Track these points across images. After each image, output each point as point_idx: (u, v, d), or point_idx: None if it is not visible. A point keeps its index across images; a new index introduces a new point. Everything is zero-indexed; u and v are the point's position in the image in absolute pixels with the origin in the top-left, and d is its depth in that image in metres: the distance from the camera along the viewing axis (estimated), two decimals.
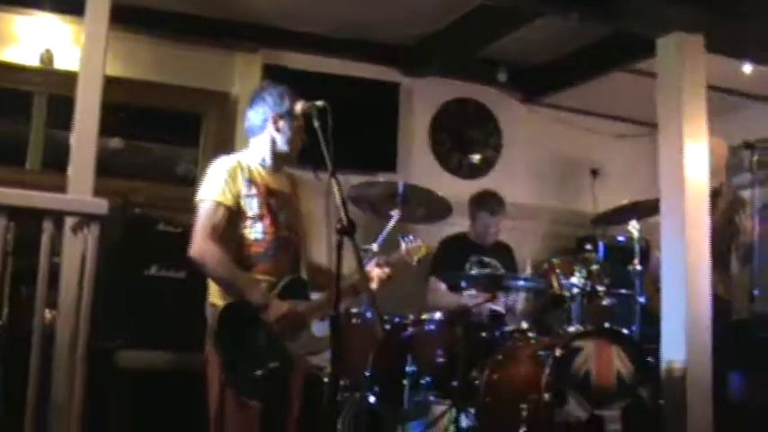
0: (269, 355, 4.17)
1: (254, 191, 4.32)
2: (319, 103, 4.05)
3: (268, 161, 4.52)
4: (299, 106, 4.42)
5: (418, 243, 5.17)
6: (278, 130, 4.50)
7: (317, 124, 3.99)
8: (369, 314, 6.33)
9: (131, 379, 5.86)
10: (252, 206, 4.32)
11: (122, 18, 5.45)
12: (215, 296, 4.31)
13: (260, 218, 4.33)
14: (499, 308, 7.12)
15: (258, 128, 4.58)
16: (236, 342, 4.15)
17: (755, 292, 6.82)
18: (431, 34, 8.10)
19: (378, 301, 4.35)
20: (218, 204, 4.24)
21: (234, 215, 4.28)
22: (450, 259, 7.36)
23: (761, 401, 6.87)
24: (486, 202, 7.74)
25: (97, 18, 5.24)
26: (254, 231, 4.32)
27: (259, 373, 4.13)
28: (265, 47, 7.71)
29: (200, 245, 4.23)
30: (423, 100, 8.86)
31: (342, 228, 3.63)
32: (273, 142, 4.52)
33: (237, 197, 4.29)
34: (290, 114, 4.48)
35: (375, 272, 4.45)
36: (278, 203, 4.42)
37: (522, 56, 8.62)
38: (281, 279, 4.38)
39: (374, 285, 4.45)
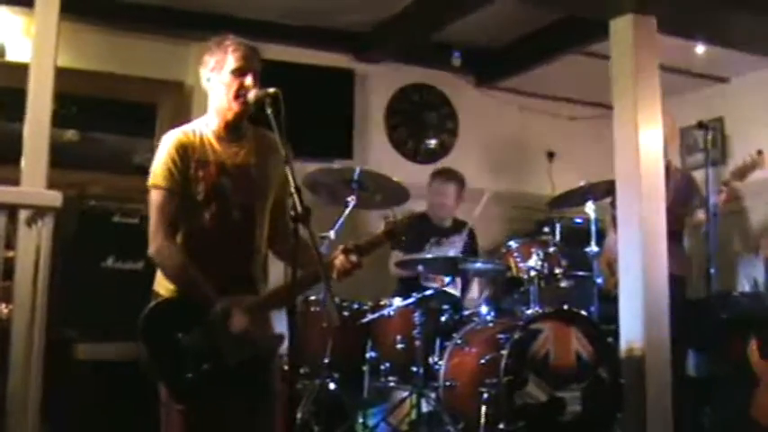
0: (203, 357, 3.99)
1: (200, 173, 4.14)
2: (271, 90, 3.95)
3: (218, 128, 4.21)
4: (234, 61, 4.14)
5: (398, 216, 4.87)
6: (213, 88, 4.22)
7: (269, 111, 3.91)
8: (326, 301, 6.32)
9: (89, 370, 5.83)
10: (198, 191, 4.16)
11: (74, 8, 5.40)
12: (159, 285, 4.18)
13: (206, 204, 4.16)
14: (456, 291, 7.12)
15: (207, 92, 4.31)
16: (165, 342, 4.01)
17: (711, 271, 6.89)
18: (384, 20, 8.08)
19: (335, 288, 4.26)
20: (168, 192, 4.08)
21: (182, 199, 4.12)
22: (410, 239, 7.34)
23: (715, 374, 6.95)
24: (440, 172, 7.85)
25: (47, 9, 5.20)
26: (201, 219, 4.16)
27: (189, 375, 3.99)
28: (217, 35, 7.65)
29: (159, 245, 4.04)
30: (377, 86, 8.85)
31: (296, 215, 3.59)
32: (215, 104, 4.22)
33: (185, 179, 4.11)
34: (222, 68, 4.17)
35: (339, 261, 4.25)
36: (232, 182, 4.15)
37: (477, 40, 8.63)
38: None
39: (336, 276, 4.27)
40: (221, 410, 4.04)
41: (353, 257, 4.12)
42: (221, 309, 3.94)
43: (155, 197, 4.06)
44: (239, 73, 4.11)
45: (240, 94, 4.09)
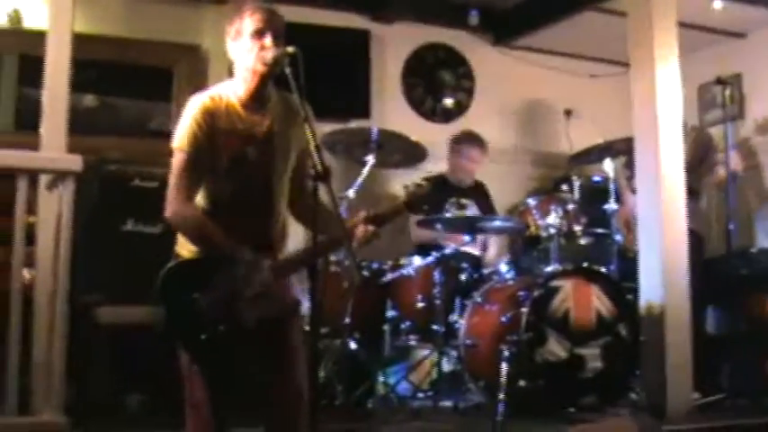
0: (219, 317, 3.91)
1: (224, 140, 4.11)
2: (290, 48, 3.93)
3: (244, 95, 4.16)
4: (252, 23, 4.07)
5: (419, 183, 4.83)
6: (238, 56, 4.15)
7: (288, 71, 3.90)
8: (347, 261, 6.34)
9: (111, 334, 5.88)
10: (222, 158, 4.14)
11: None
12: (181, 246, 4.18)
13: (229, 173, 4.15)
14: (475, 250, 7.13)
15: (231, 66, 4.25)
16: (182, 303, 4.01)
17: (731, 227, 6.87)
18: None
19: (355, 248, 4.26)
20: (191, 155, 4.07)
21: (205, 165, 4.12)
22: (429, 200, 7.33)
23: (734, 331, 6.95)
24: (465, 135, 7.78)
25: None
26: (223, 186, 4.15)
27: (203, 336, 3.99)
28: None
29: (176, 208, 4.03)
30: (394, 46, 8.82)
31: (316, 174, 3.58)
32: (240, 71, 4.17)
33: (208, 145, 4.11)
34: (241, 34, 4.12)
35: (359, 230, 4.24)
36: (256, 151, 4.12)
37: None
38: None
39: (356, 244, 4.25)
40: (240, 370, 4.05)
41: (373, 227, 4.13)
42: (251, 259, 3.96)
43: (177, 159, 4.04)
44: (258, 34, 4.07)
45: (261, 54, 4.07)
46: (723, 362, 6.85)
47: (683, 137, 6.32)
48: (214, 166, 4.06)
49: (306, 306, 4.03)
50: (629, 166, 6.96)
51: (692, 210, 6.34)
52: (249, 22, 4.12)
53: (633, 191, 6.81)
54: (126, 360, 5.88)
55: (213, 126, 4.06)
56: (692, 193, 6.65)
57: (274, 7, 4.22)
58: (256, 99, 4.18)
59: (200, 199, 4.10)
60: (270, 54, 4.02)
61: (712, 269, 6.97)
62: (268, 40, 4.07)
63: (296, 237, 4.38)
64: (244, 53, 4.12)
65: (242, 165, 4.10)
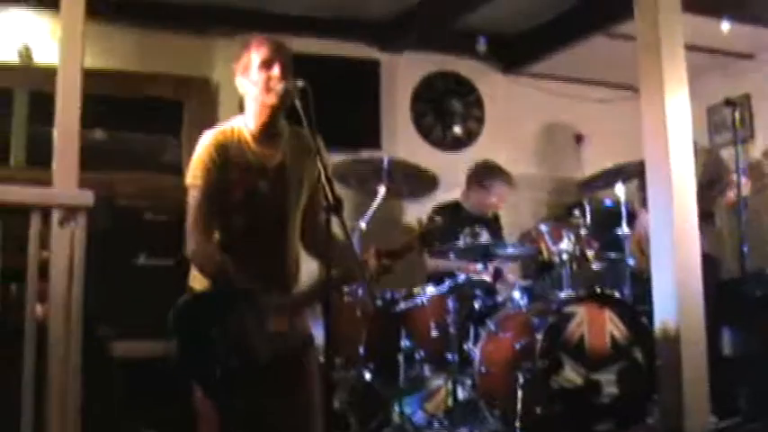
0: (233, 352, 3.91)
1: (237, 174, 4.13)
2: (299, 82, 3.95)
3: (255, 129, 4.19)
4: (259, 56, 4.12)
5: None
6: (248, 90, 4.19)
7: (298, 104, 3.91)
8: (360, 291, 6.34)
9: (126, 368, 5.87)
10: (235, 192, 4.14)
11: (98, 9, 5.42)
12: (194, 280, 4.18)
13: (242, 206, 4.16)
14: (488, 278, 7.12)
15: (242, 100, 4.28)
16: (195, 337, 4.00)
17: (744, 249, 6.85)
18: (407, 9, 8.09)
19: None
20: (205, 191, 4.08)
21: (219, 199, 4.12)
22: (442, 233, 7.33)
23: (750, 352, 6.92)
24: (499, 172, 7.73)
25: (73, 11, 5.22)
26: (236, 220, 4.15)
27: (217, 371, 3.97)
28: (243, 30, 7.61)
29: (196, 245, 4.04)
30: (403, 75, 8.85)
31: (329, 206, 3.59)
32: (251, 105, 4.21)
33: (222, 179, 4.12)
34: (249, 67, 4.16)
35: (371, 263, 4.23)
36: (268, 184, 4.14)
37: (501, 25, 8.61)
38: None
39: (367, 278, 4.25)
40: (254, 405, 4.04)
41: (386, 262, 4.13)
42: (266, 304, 3.96)
43: (193, 196, 4.06)
44: (266, 65, 4.09)
45: (270, 86, 4.08)
46: (740, 384, 6.82)
47: (693, 157, 6.32)
48: (227, 199, 4.08)
49: (320, 337, 4.02)
50: (643, 188, 6.95)
51: (707, 233, 6.33)
52: (256, 54, 4.13)
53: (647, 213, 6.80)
54: (140, 394, 5.87)
55: (226, 160, 4.08)
56: (707, 215, 6.64)
57: (281, 40, 4.24)
58: (268, 132, 4.19)
59: (214, 231, 4.12)
60: (280, 86, 4.04)
61: (727, 291, 6.95)
62: (276, 71, 4.09)
63: (308, 269, 4.38)
64: (253, 86, 4.13)
65: (254, 198, 4.11)
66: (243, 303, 3.96)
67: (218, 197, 4.06)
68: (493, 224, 7.68)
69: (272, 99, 4.09)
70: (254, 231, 4.12)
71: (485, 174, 7.70)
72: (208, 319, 3.96)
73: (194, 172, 4.08)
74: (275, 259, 4.18)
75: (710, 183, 7.00)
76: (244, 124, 4.20)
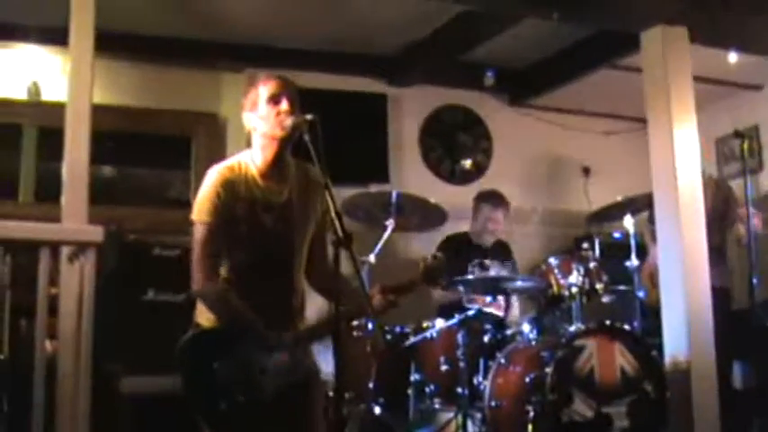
0: (238, 388, 3.92)
1: (243, 210, 4.13)
2: (308, 116, 3.95)
3: (262, 165, 4.18)
4: (267, 90, 4.14)
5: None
6: (256, 126, 4.18)
7: (307, 138, 3.90)
8: (370, 326, 6.33)
9: (135, 404, 5.85)
10: (241, 227, 4.15)
11: (106, 45, 5.45)
12: (200, 316, 4.17)
13: (248, 242, 4.16)
14: (499, 312, 7.11)
15: (249, 137, 4.29)
16: (201, 373, 4.00)
17: (754, 280, 6.84)
18: (414, 43, 8.11)
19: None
20: (211, 227, 4.07)
21: (225, 234, 4.12)
22: (451, 259, 7.28)
23: (762, 384, 6.90)
24: (489, 195, 7.72)
25: (82, 47, 5.25)
26: (242, 255, 4.16)
27: (223, 406, 3.97)
28: (250, 65, 7.69)
29: (202, 281, 4.04)
30: (411, 109, 8.86)
31: (338, 240, 3.58)
32: (258, 140, 4.20)
33: (228, 215, 4.10)
34: (257, 103, 4.16)
35: (376, 299, 4.23)
36: (274, 220, 4.15)
37: (508, 59, 8.62)
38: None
39: (371, 313, 4.25)
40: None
41: (391, 297, 4.13)
42: (270, 342, 3.96)
43: (198, 232, 4.06)
44: (274, 100, 4.10)
45: (278, 119, 4.08)
46: (753, 416, 6.79)
47: (702, 189, 6.32)
48: (233, 234, 4.07)
49: (330, 371, 4.01)
50: (653, 221, 6.95)
51: (715, 264, 6.32)
52: (264, 89, 4.14)
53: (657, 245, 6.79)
54: (147, 430, 5.85)
55: (232, 195, 4.08)
56: (718, 248, 6.64)
57: (287, 75, 4.25)
58: (275, 167, 4.19)
59: (221, 266, 4.11)
60: (289, 120, 4.04)
61: (736, 323, 6.93)
62: (284, 105, 4.09)
63: (314, 305, 4.37)
64: (261, 121, 4.14)
65: (260, 232, 4.11)
66: (248, 339, 3.96)
67: (224, 233, 4.06)
68: (503, 253, 7.66)
69: (281, 131, 4.09)
70: (260, 267, 4.11)
71: (478, 198, 7.76)
72: (213, 354, 3.95)
73: (200, 207, 4.08)
74: (281, 294, 4.17)
75: (721, 215, 6.99)
76: (251, 159, 4.20)
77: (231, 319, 4.03)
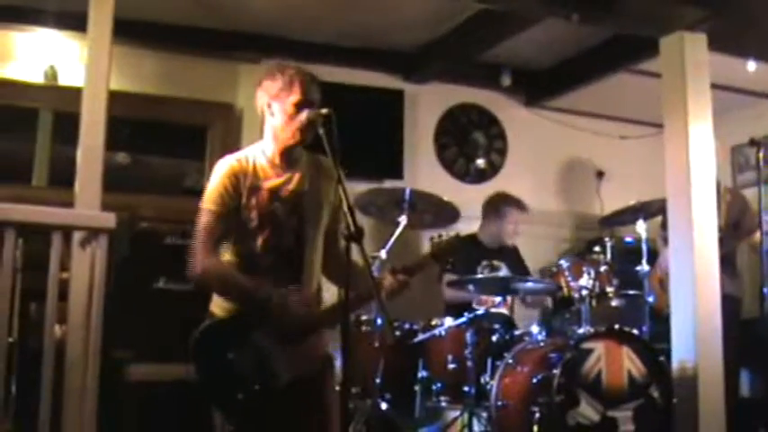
0: (254, 377, 3.93)
1: (253, 200, 4.11)
2: (324, 110, 3.94)
3: (272, 154, 4.18)
4: (299, 94, 4.09)
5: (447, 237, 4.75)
6: (272, 115, 4.18)
7: (321, 132, 3.90)
8: (379, 321, 6.33)
9: (143, 392, 5.87)
10: (251, 217, 4.16)
11: (125, 32, 5.46)
12: (214, 304, 4.17)
13: (259, 231, 4.16)
14: (505, 311, 7.11)
15: (261, 118, 4.28)
16: (217, 363, 3.97)
17: (765, 290, 6.82)
18: (432, 40, 8.10)
19: (388, 308, 4.24)
20: (216, 215, 4.06)
21: (236, 225, 4.12)
22: (461, 260, 7.29)
23: None
24: (513, 200, 7.71)
25: (100, 33, 5.26)
26: (254, 245, 4.15)
27: (240, 396, 3.97)
28: (268, 57, 7.66)
29: (200, 262, 4.02)
30: (427, 106, 8.84)
31: (349, 234, 3.58)
32: (273, 131, 4.19)
33: (237, 206, 4.07)
34: (286, 97, 4.13)
35: (387, 281, 4.22)
36: (285, 208, 4.14)
37: (525, 59, 8.61)
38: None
39: (384, 295, 4.23)
40: (274, 427, 4.03)
41: (401, 277, 4.11)
42: (274, 300, 3.94)
43: (203, 217, 4.05)
44: (302, 106, 4.09)
45: (296, 127, 4.08)
46: (759, 426, 6.78)
47: (716, 197, 6.31)
48: (244, 225, 4.07)
49: (338, 364, 4.02)
50: (665, 226, 6.94)
51: (727, 272, 6.31)
52: (296, 90, 4.09)
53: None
54: (156, 418, 5.86)
55: (240, 186, 4.07)
56: (729, 256, 6.62)
57: (314, 74, 4.23)
58: (286, 158, 4.19)
59: (232, 258, 4.11)
60: (304, 114, 4.03)
61: (746, 331, 6.92)
62: (304, 115, 4.08)
63: (331, 293, 4.36)
64: (282, 116, 4.12)
65: (271, 221, 4.09)
66: (263, 327, 3.96)
67: (230, 222, 4.05)
68: (512, 256, 7.65)
69: (292, 141, 4.12)
70: (273, 257, 4.11)
71: (499, 201, 7.69)
72: (228, 344, 3.96)
73: (208, 196, 4.07)
74: (293, 283, 4.15)
75: (735, 224, 6.97)
76: (260, 150, 4.20)
77: (233, 291, 4.03)
